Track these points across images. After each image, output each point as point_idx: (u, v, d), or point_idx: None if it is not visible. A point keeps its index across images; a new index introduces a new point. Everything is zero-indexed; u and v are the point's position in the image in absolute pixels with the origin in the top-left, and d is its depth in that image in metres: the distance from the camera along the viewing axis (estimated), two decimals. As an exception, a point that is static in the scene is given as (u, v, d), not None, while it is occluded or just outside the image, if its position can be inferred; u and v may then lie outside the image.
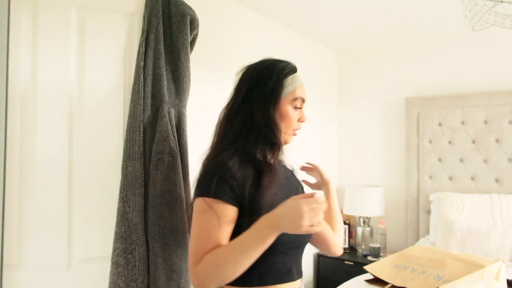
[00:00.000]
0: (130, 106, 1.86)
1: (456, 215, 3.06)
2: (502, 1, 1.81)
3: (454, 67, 3.57)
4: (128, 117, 1.85)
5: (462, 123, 3.41)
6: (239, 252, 1.14)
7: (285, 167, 1.51)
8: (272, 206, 1.18)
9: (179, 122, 1.99)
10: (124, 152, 1.84)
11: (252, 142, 1.33)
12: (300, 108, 1.41)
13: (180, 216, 1.88)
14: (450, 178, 3.45)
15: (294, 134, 1.43)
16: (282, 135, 1.38)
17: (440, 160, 3.50)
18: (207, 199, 1.22)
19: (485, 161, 3.31)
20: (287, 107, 1.37)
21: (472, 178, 3.36)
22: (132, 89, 1.87)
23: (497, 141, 3.28)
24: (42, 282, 1.73)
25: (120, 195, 1.81)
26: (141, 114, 1.85)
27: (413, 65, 3.77)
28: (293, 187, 1.51)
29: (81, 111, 1.83)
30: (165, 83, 1.93)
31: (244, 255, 1.13)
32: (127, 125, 1.85)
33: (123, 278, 1.77)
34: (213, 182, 1.22)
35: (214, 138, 1.44)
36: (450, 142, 3.46)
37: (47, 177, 1.75)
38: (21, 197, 1.71)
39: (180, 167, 1.92)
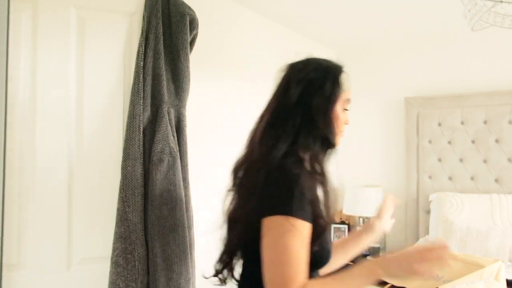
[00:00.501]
0: (129, 106, 1.86)
1: (455, 215, 3.07)
2: (501, 1, 1.81)
3: (454, 67, 3.57)
4: (128, 117, 1.85)
5: (462, 123, 3.42)
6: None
7: None
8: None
9: (179, 122, 1.99)
10: (123, 152, 1.84)
11: (308, 145, 1.22)
12: (346, 109, 1.36)
13: (180, 216, 1.88)
14: (450, 178, 3.45)
15: (342, 135, 1.35)
16: (335, 135, 1.31)
17: (439, 160, 3.50)
18: (290, 218, 1.06)
19: (485, 161, 3.31)
20: (338, 108, 1.30)
21: (472, 178, 3.36)
22: (132, 89, 1.87)
23: (496, 141, 3.28)
24: (42, 282, 1.73)
25: (119, 195, 1.81)
26: (141, 114, 1.85)
27: (413, 65, 3.77)
28: None
29: (81, 111, 1.83)
30: (164, 83, 1.93)
31: None
32: (127, 125, 1.85)
33: (123, 278, 1.77)
34: (293, 198, 1.08)
35: (259, 139, 1.30)
36: (449, 142, 3.46)
37: (47, 177, 1.75)
38: (20, 197, 1.71)
39: (180, 167, 1.92)
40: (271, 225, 1.08)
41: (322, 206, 1.14)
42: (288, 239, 1.05)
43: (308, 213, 1.10)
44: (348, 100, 1.34)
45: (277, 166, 1.15)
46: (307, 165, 1.19)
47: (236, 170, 1.36)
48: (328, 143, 1.27)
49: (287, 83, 1.32)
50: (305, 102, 1.25)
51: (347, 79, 1.34)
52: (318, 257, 1.15)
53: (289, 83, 1.30)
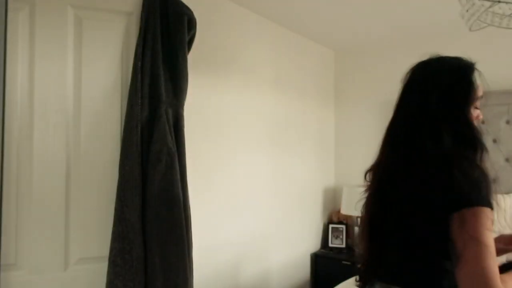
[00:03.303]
0: (127, 106, 1.86)
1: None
2: (499, 1, 1.81)
3: (452, 67, 3.58)
4: (126, 116, 1.85)
5: (460, 123, 3.42)
6: None
7: None
8: None
9: (177, 122, 1.99)
10: (121, 152, 1.83)
11: (465, 147, 1.21)
12: (478, 107, 1.29)
13: (178, 215, 1.88)
14: (448, 178, 3.45)
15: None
16: None
17: (437, 160, 3.50)
18: (486, 209, 1.05)
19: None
20: (472, 108, 1.26)
21: (469, 178, 3.37)
22: (130, 89, 1.87)
23: (494, 141, 3.29)
24: (39, 282, 1.73)
25: (117, 194, 1.81)
26: (139, 114, 1.85)
27: (410, 65, 3.77)
28: None
29: (78, 110, 1.83)
30: (162, 83, 1.92)
31: None
32: (125, 125, 1.85)
33: (121, 278, 1.77)
34: (488, 192, 1.08)
35: (404, 141, 1.29)
36: (447, 142, 3.46)
37: (44, 176, 1.75)
38: (18, 197, 1.71)
39: (178, 167, 1.92)
40: (477, 216, 1.03)
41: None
42: (487, 232, 1.02)
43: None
44: (480, 97, 1.29)
45: (458, 160, 1.13)
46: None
47: (373, 173, 1.38)
48: (472, 144, 1.21)
49: (424, 86, 1.32)
50: (445, 106, 1.24)
51: (478, 77, 1.33)
52: None
53: (426, 87, 1.30)
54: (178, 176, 1.92)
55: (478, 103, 1.29)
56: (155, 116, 1.90)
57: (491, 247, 1.00)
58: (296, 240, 3.64)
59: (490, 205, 1.05)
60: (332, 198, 4.09)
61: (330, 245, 3.81)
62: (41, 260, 1.74)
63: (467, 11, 1.91)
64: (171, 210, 1.86)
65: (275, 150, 3.35)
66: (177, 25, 1.97)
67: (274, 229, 3.34)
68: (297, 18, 3.23)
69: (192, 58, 2.11)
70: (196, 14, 2.06)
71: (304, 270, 3.72)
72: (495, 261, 0.99)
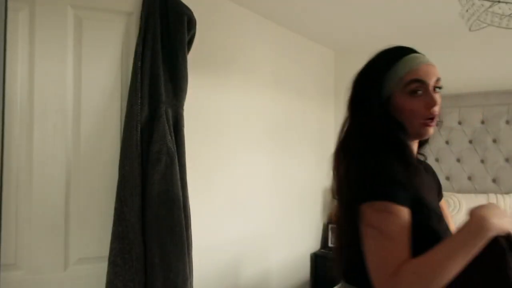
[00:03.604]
0: (127, 106, 1.86)
1: (453, 215, 3.07)
2: (499, 1, 1.81)
3: (451, 67, 3.57)
4: (125, 116, 1.85)
5: (459, 123, 3.42)
6: (447, 258, 0.98)
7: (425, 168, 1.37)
8: None
9: (177, 122, 1.99)
10: (121, 152, 1.84)
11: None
12: (418, 91, 1.16)
13: (177, 215, 1.88)
14: (447, 178, 3.46)
15: (426, 125, 1.17)
16: (409, 129, 1.18)
17: (437, 160, 3.50)
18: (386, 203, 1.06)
19: (482, 161, 3.32)
20: (401, 97, 1.17)
21: (469, 178, 3.37)
22: (129, 89, 1.87)
23: (494, 141, 3.29)
24: (39, 282, 1.73)
25: (117, 195, 1.81)
26: (139, 114, 1.85)
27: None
28: (434, 191, 1.36)
29: (78, 110, 1.83)
30: (162, 83, 1.92)
31: (453, 260, 0.98)
32: (124, 125, 1.85)
33: (120, 278, 1.77)
34: (387, 185, 1.10)
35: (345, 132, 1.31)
36: (447, 142, 3.46)
37: (44, 176, 1.75)
38: (18, 197, 1.71)
39: (177, 167, 1.92)
40: (365, 211, 1.06)
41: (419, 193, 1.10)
42: (384, 225, 1.04)
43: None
44: (413, 82, 1.16)
45: (366, 153, 1.14)
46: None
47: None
48: (386, 136, 1.17)
49: (356, 80, 1.32)
50: (365, 97, 1.24)
51: (407, 61, 1.19)
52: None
53: (357, 80, 1.30)
54: (178, 176, 1.92)
55: (411, 88, 1.16)
56: (155, 116, 1.90)
57: (390, 234, 1.02)
58: (296, 240, 3.64)
59: (388, 198, 1.04)
60: (332, 198, 4.09)
61: (330, 245, 3.81)
62: (41, 260, 1.74)
63: (467, 11, 1.92)
64: (171, 210, 1.86)
65: (275, 150, 3.35)
66: (177, 25, 1.97)
67: (274, 229, 3.34)
68: (297, 18, 3.23)
69: (192, 58, 2.11)
70: (196, 14, 2.06)
71: (304, 270, 3.72)
72: (396, 247, 1.01)
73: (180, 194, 1.91)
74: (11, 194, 1.69)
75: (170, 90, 1.98)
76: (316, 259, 3.74)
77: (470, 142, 3.38)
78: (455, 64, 3.55)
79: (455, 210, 3.09)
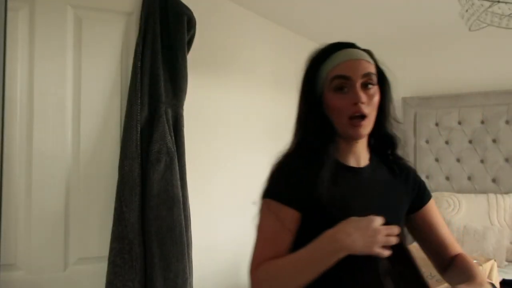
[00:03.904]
0: (127, 106, 1.86)
1: (452, 215, 3.07)
2: (498, 1, 1.81)
3: (451, 67, 3.58)
4: (125, 116, 1.85)
5: (459, 123, 3.42)
6: (297, 269, 1.00)
7: (387, 171, 1.23)
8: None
9: (176, 122, 1.99)
10: (121, 151, 1.83)
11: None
12: (344, 88, 1.09)
13: (177, 215, 1.87)
14: (447, 178, 3.46)
15: (353, 124, 1.08)
16: (337, 128, 1.12)
17: (437, 160, 3.50)
18: (270, 201, 1.09)
19: (482, 161, 3.32)
20: (328, 95, 1.11)
21: (469, 178, 3.37)
22: (129, 88, 1.87)
23: (494, 141, 3.29)
24: (38, 282, 1.72)
25: (117, 195, 1.81)
26: (138, 114, 1.85)
27: (410, 65, 3.77)
28: (390, 198, 1.19)
29: (78, 110, 1.82)
30: (162, 83, 1.92)
31: (302, 274, 0.99)
32: (124, 125, 1.84)
33: (120, 278, 1.77)
34: (277, 185, 1.13)
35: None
36: (447, 142, 3.47)
37: (44, 177, 1.75)
38: (17, 197, 1.71)
39: (177, 167, 1.92)
40: (260, 209, 1.12)
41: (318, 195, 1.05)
42: (265, 220, 1.10)
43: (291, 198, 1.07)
44: (336, 78, 1.10)
45: (281, 155, 1.18)
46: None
47: None
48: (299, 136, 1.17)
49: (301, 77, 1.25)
50: (299, 99, 1.22)
51: (333, 58, 1.13)
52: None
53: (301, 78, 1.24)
54: (178, 176, 1.92)
55: (336, 85, 1.10)
56: (154, 116, 1.90)
57: (267, 232, 1.07)
58: (296, 240, 3.63)
59: (273, 196, 1.08)
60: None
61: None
62: (40, 260, 1.73)
63: (466, 11, 1.92)
64: (170, 210, 1.86)
65: (275, 150, 3.34)
66: (176, 25, 1.97)
67: (273, 229, 3.33)
68: (297, 18, 3.23)
69: (192, 58, 2.10)
70: (196, 14, 2.06)
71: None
72: (265, 244, 1.06)
73: (180, 194, 1.91)
74: (11, 194, 1.69)
75: (169, 90, 1.98)
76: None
77: (470, 142, 3.38)
78: (455, 64, 3.56)
79: (455, 210, 3.09)
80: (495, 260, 1.89)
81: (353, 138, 1.11)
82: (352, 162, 1.15)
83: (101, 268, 1.80)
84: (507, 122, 3.25)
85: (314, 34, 3.65)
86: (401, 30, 3.49)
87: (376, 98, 1.11)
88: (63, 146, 1.79)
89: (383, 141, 1.22)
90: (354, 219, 0.96)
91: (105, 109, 1.88)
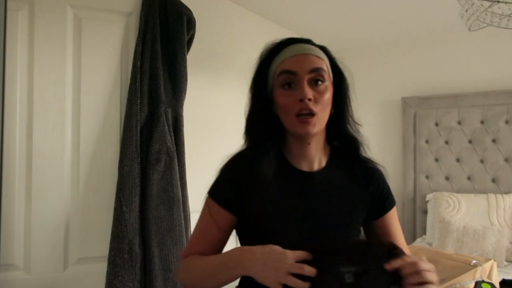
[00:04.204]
0: (126, 106, 1.86)
1: (452, 215, 3.07)
2: (498, 1, 1.81)
3: (451, 67, 3.58)
4: (125, 117, 1.85)
5: (459, 123, 3.42)
6: (206, 271, 1.03)
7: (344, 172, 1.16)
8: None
9: (176, 122, 1.99)
10: (120, 151, 1.83)
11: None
12: (291, 84, 1.04)
13: (177, 216, 1.88)
14: (447, 178, 3.46)
15: (300, 121, 1.02)
16: (286, 126, 1.07)
17: (436, 160, 3.50)
18: (208, 198, 1.13)
19: (482, 161, 3.32)
20: (276, 91, 1.07)
21: (469, 178, 3.37)
22: (129, 89, 1.87)
23: (493, 141, 3.29)
24: (38, 282, 1.73)
25: (116, 195, 1.81)
26: (138, 114, 1.85)
27: (409, 65, 3.77)
28: (341, 204, 1.11)
29: (78, 110, 1.83)
30: (162, 83, 1.92)
31: (210, 278, 1.02)
32: (124, 125, 1.85)
33: (120, 278, 1.77)
34: (217, 183, 1.16)
35: None
36: (446, 142, 3.46)
37: (44, 177, 1.75)
38: (17, 197, 1.71)
39: (177, 167, 1.92)
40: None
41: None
42: (203, 214, 1.13)
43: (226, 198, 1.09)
44: (282, 74, 1.06)
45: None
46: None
47: None
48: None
49: None
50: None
51: (281, 55, 1.11)
52: None
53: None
54: (178, 176, 1.92)
55: (282, 81, 1.06)
56: (154, 116, 1.90)
57: (199, 227, 1.11)
58: (296, 240, 3.63)
59: (211, 195, 1.11)
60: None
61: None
62: (40, 260, 1.74)
63: (466, 11, 1.92)
64: (170, 210, 1.86)
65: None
66: (176, 25, 1.97)
67: (273, 229, 3.33)
68: (296, 18, 3.23)
69: (192, 57, 2.10)
70: (195, 14, 2.06)
71: (303, 270, 3.72)
72: (197, 237, 1.11)
73: (180, 194, 1.91)
74: (11, 194, 1.69)
75: (169, 90, 1.98)
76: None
77: (470, 142, 3.37)
78: (455, 64, 3.55)
79: (455, 210, 3.09)
80: (494, 260, 1.88)
81: (301, 136, 1.05)
82: (303, 166, 1.10)
83: (101, 268, 1.80)
84: (506, 122, 3.25)
85: (314, 34, 3.64)
86: (401, 30, 3.49)
87: (327, 96, 1.05)
88: (63, 146, 1.79)
89: (344, 144, 1.16)
90: (271, 247, 0.91)
91: (105, 109, 1.88)
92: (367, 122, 4.33)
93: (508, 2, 1.81)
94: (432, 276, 0.86)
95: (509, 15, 1.92)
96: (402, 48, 3.81)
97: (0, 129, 1.36)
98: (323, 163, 1.12)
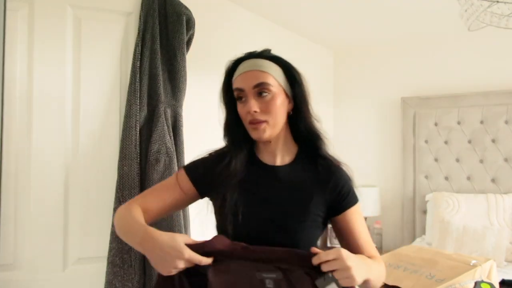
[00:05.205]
0: (126, 106, 1.86)
1: (452, 215, 3.07)
2: (498, 1, 1.81)
3: (450, 67, 3.58)
4: (124, 117, 1.85)
5: (458, 123, 3.42)
6: (125, 228, 1.18)
7: (306, 169, 1.28)
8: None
9: (175, 122, 1.99)
10: (120, 151, 1.83)
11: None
12: (242, 98, 1.22)
13: (176, 215, 1.88)
14: (446, 178, 3.46)
15: (253, 128, 1.21)
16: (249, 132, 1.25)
17: (436, 160, 3.50)
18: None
19: (481, 161, 3.32)
20: (237, 103, 1.25)
21: (468, 178, 3.37)
22: (128, 89, 1.87)
23: (493, 141, 3.29)
24: (37, 282, 1.73)
25: (116, 195, 1.81)
26: (137, 114, 1.85)
27: (409, 65, 3.78)
28: (297, 198, 1.23)
29: (77, 110, 1.83)
30: (161, 83, 1.93)
31: (125, 236, 1.17)
32: (123, 125, 1.84)
33: (119, 277, 1.77)
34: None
35: None
36: (446, 142, 3.46)
37: (43, 177, 1.75)
38: (16, 197, 1.71)
39: (177, 167, 1.92)
40: None
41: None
42: None
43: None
44: (235, 91, 1.24)
45: None
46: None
47: None
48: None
49: None
50: None
51: (236, 72, 1.26)
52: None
53: None
54: (177, 176, 1.91)
55: (236, 94, 1.24)
56: (153, 116, 1.90)
57: (159, 185, 1.32)
58: (295, 240, 3.63)
59: (186, 169, 1.29)
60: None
61: (328, 245, 3.81)
62: (39, 260, 1.74)
63: (466, 11, 1.92)
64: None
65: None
66: (175, 25, 1.97)
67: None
68: (297, 18, 3.23)
69: (191, 57, 2.10)
70: (195, 14, 2.06)
71: (303, 270, 3.71)
72: (151, 191, 1.30)
73: (179, 194, 1.91)
74: (10, 194, 1.69)
75: (168, 90, 1.98)
76: (315, 259, 3.74)
77: (469, 142, 3.38)
78: (454, 64, 3.56)
79: (454, 210, 3.09)
80: (494, 260, 1.88)
81: (256, 139, 1.24)
82: (267, 160, 1.27)
83: (100, 268, 1.80)
84: (506, 122, 3.25)
85: (314, 34, 3.65)
86: (401, 30, 3.49)
87: (275, 103, 1.20)
88: (62, 146, 1.79)
89: (307, 142, 1.31)
90: (176, 236, 1.07)
91: (104, 109, 1.88)
92: (367, 122, 4.37)
93: (507, 2, 1.81)
94: (339, 263, 0.99)
95: (508, 15, 1.92)
96: (402, 48, 3.81)
97: (0, 129, 1.36)
98: (287, 160, 1.28)
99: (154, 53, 1.92)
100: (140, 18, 1.92)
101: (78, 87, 1.83)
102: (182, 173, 1.27)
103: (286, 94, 1.25)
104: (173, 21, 1.97)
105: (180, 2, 2.01)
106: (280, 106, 1.22)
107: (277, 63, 1.26)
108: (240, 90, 1.21)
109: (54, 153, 1.78)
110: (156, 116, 1.89)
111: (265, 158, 1.28)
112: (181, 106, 2.01)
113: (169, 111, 1.95)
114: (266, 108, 1.20)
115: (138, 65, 1.87)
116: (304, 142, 1.31)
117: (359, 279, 1.02)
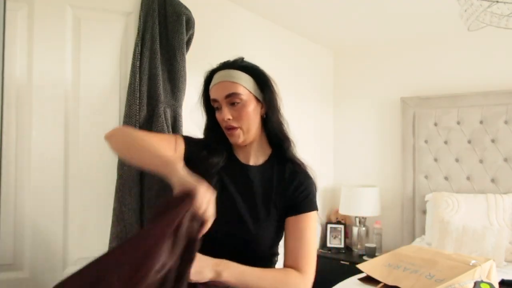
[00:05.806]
0: (125, 106, 1.86)
1: (451, 215, 3.07)
2: (497, 1, 1.81)
3: (450, 67, 3.58)
4: (124, 117, 1.85)
5: (458, 123, 3.42)
6: (138, 144, 1.21)
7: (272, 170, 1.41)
8: None
9: (175, 122, 1.99)
10: (120, 152, 1.83)
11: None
12: (218, 107, 1.37)
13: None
14: (446, 178, 3.46)
15: (228, 134, 1.38)
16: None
17: (435, 160, 3.50)
18: None
19: (481, 161, 3.32)
20: (216, 111, 1.39)
21: (468, 178, 3.37)
22: (128, 89, 1.87)
23: (492, 141, 3.29)
24: (38, 282, 1.73)
25: (115, 195, 1.81)
26: (137, 114, 1.85)
27: (409, 65, 3.78)
28: (258, 198, 1.36)
29: (77, 111, 1.83)
30: (161, 83, 1.92)
31: (136, 152, 1.21)
32: (123, 125, 1.84)
33: (119, 278, 1.77)
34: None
35: None
36: (445, 142, 3.47)
37: (43, 176, 1.75)
38: (16, 197, 1.71)
39: (176, 167, 1.91)
40: None
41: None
42: None
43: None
44: (211, 101, 1.38)
45: None
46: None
47: None
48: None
49: None
50: None
51: (212, 83, 1.39)
52: None
53: None
54: (177, 176, 1.91)
55: (212, 104, 1.39)
56: (153, 116, 1.90)
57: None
58: (295, 240, 3.63)
59: (184, 137, 1.44)
60: (330, 198, 4.09)
61: (328, 245, 3.81)
62: (40, 260, 1.74)
63: (465, 11, 1.92)
64: (169, 210, 1.86)
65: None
66: (175, 25, 1.97)
67: (272, 229, 3.33)
68: (295, 18, 3.23)
69: (191, 57, 2.10)
70: (195, 14, 2.06)
71: (302, 270, 3.71)
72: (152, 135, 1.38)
73: (179, 194, 1.90)
74: (10, 194, 1.69)
75: (168, 90, 1.98)
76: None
77: (469, 142, 3.38)
78: (454, 64, 3.56)
79: (454, 210, 3.09)
80: (494, 260, 1.88)
81: (236, 144, 1.39)
82: (242, 159, 1.42)
83: (100, 268, 1.79)
84: (506, 122, 3.25)
85: (314, 34, 3.65)
86: (401, 30, 3.49)
87: (247, 110, 1.33)
88: (62, 146, 1.79)
89: (278, 145, 1.43)
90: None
91: (104, 109, 1.88)
92: (367, 122, 4.36)
93: (507, 2, 1.81)
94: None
95: (508, 15, 1.92)
96: (402, 48, 3.81)
97: (0, 129, 1.36)
98: (261, 161, 1.42)
99: (154, 53, 1.92)
100: (139, 18, 1.92)
101: (77, 87, 1.83)
102: (180, 137, 1.40)
103: (258, 100, 1.37)
104: (173, 21, 1.97)
105: (180, 2, 2.01)
106: (252, 112, 1.35)
107: (247, 72, 1.38)
108: (214, 100, 1.36)
109: (54, 153, 1.78)
110: (156, 116, 1.89)
111: (241, 157, 1.42)
112: (180, 106, 2.01)
113: (168, 111, 1.95)
114: (238, 116, 1.33)
115: (138, 65, 1.87)
116: (277, 145, 1.43)
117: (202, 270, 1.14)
